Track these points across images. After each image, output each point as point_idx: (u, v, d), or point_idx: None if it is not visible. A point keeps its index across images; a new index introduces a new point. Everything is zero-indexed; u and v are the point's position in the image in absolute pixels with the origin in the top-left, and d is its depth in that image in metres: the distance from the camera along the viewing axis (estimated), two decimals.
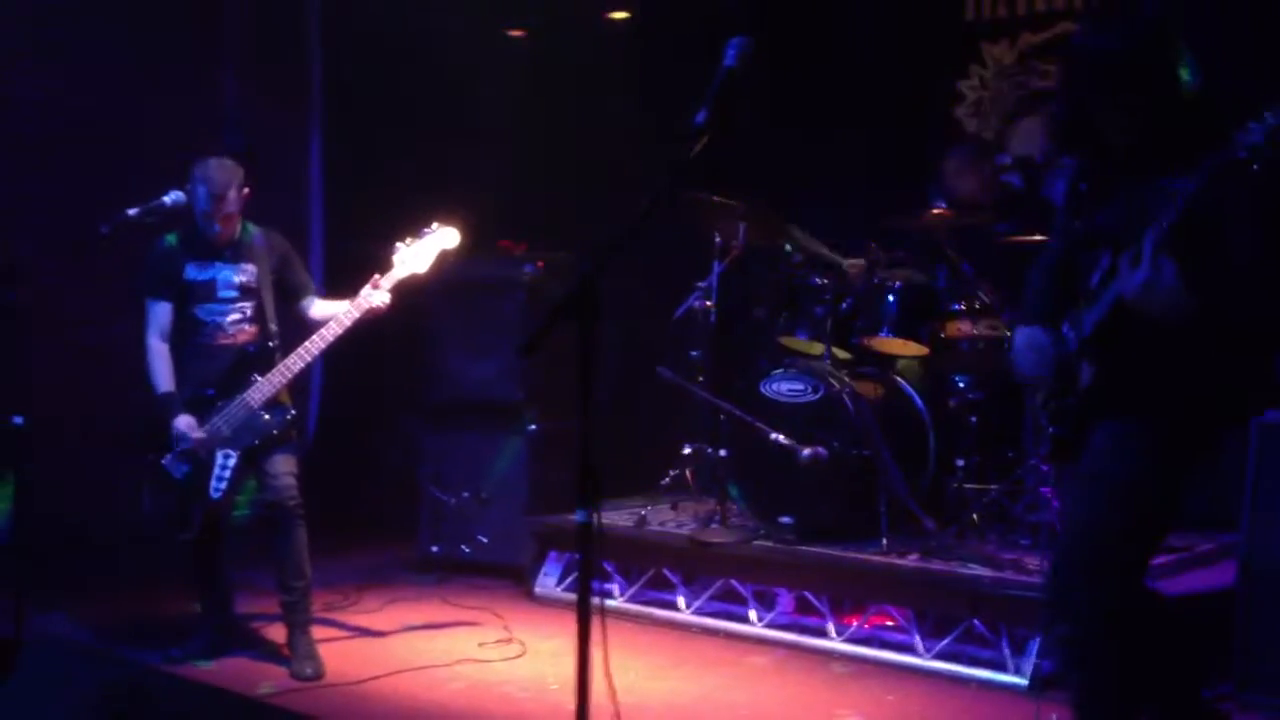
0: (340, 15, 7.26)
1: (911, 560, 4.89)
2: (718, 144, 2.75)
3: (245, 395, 4.56)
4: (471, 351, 6.23)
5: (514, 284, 6.18)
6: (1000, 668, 4.45)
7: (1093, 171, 3.11)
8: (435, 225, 4.81)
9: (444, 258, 4.85)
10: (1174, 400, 2.91)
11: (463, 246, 5.68)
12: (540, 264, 6.21)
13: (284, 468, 4.60)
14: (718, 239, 5.69)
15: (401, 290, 4.76)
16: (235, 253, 4.70)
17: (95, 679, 3.60)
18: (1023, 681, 4.36)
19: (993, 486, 5.26)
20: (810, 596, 5.05)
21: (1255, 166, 2.60)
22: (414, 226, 4.80)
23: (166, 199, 4.60)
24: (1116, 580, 2.95)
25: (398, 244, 4.74)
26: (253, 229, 4.77)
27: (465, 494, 6.12)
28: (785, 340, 5.68)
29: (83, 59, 6.28)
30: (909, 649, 4.69)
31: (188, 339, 4.66)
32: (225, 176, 4.59)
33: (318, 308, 4.80)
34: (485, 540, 6.06)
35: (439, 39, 7.05)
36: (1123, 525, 2.94)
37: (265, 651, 4.79)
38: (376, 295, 4.61)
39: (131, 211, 4.55)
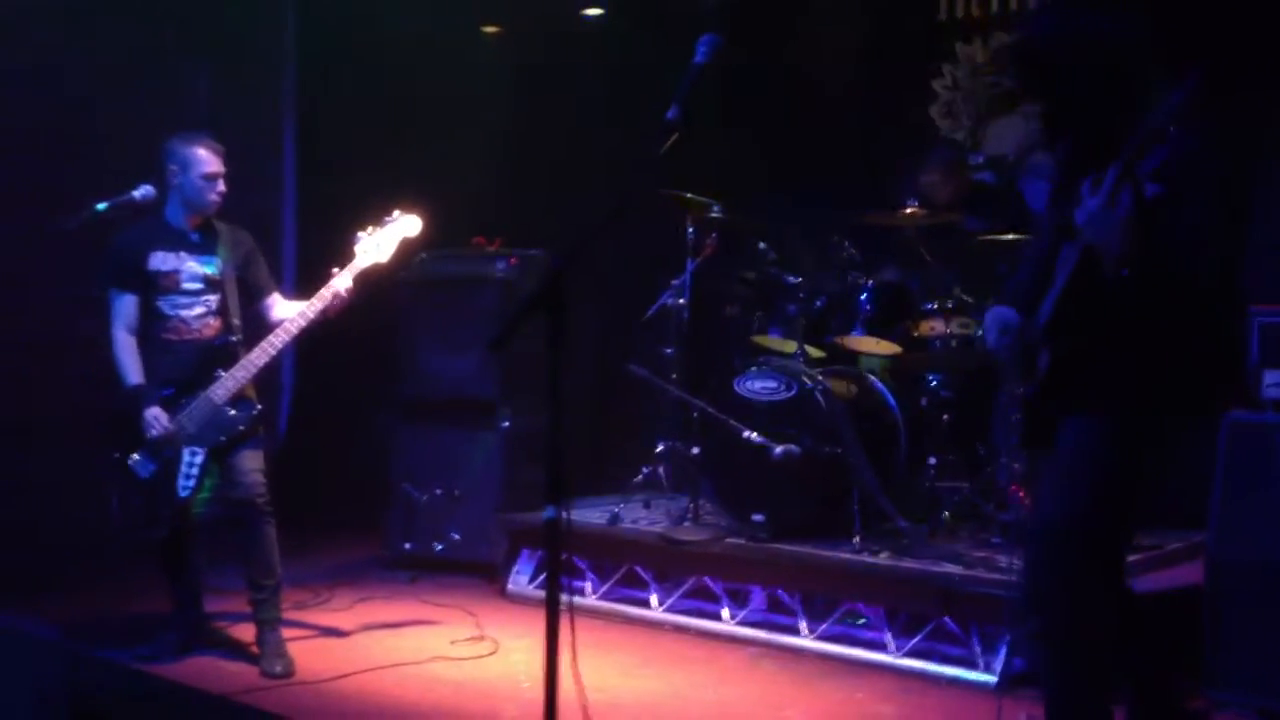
0: (315, 13, 7.23)
1: (883, 558, 4.90)
2: (690, 141, 2.75)
3: (209, 391, 4.51)
4: (445, 348, 6.21)
5: (488, 281, 6.17)
6: (971, 665, 4.47)
7: (1070, 164, 3.10)
8: (397, 213, 4.78)
9: (406, 246, 4.81)
10: (1128, 392, 2.92)
11: (437, 243, 5.66)
12: (514, 261, 6.20)
13: (251, 464, 4.56)
14: (690, 236, 5.70)
15: (374, 286, 4.72)
16: (201, 244, 4.66)
17: (63, 676, 3.57)
18: (992, 679, 4.37)
19: (964, 484, 5.29)
20: (782, 594, 5.07)
21: (1171, 129, 2.66)
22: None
23: (136, 193, 4.56)
24: (1087, 574, 2.97)
25: (359, 233, 4.72)
26: (219, 225, 4.73)
27: (438, 491, 6.09)
28: (758, 338, 5.69)
29: (53, 55, 6.22)
30: (880, 646, 4.70)
31: (151, 334, 4.60)
32: (218, 145, 4.63)
33: (279, 308, 4.76)
34: (458, 538, 6.03)
35: (414, 36, 7.03)
36: (1091, 521, 2.96)
37: (235, 650, 4.76)
38: (338, 284, 4.58)
39: (100, 206, 4.51)
